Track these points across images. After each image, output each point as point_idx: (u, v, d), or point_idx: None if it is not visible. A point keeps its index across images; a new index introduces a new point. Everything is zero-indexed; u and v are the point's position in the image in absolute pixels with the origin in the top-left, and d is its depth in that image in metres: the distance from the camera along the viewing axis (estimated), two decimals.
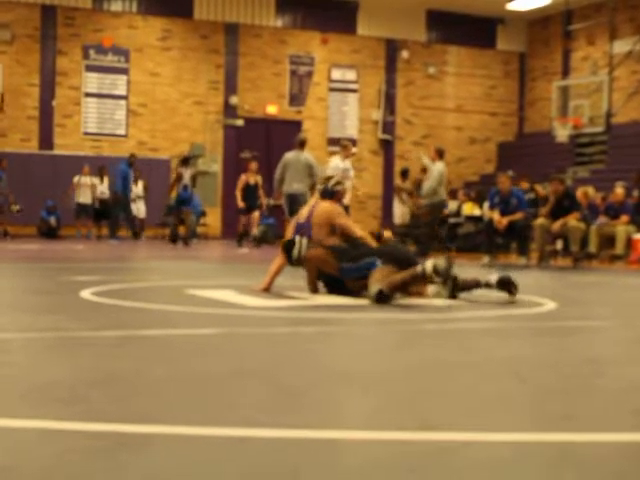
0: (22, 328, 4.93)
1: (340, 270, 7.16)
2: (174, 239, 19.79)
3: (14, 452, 2.34)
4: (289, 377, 3.57)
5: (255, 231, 19.14)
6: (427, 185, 16.38)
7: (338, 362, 4.06)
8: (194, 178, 20.36)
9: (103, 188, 22.83)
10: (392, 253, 7.20)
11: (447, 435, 2.60)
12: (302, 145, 15.11)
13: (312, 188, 14.26)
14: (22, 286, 8.34)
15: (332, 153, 16.27)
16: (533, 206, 16.62)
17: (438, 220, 16.56)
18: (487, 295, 7.08)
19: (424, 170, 21.14)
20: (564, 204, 14.17)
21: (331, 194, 7.84)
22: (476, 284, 7.15)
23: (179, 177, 19.88)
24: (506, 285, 7.02)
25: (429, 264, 6.75)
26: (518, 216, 14.19)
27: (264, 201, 19.53)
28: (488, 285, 7.07)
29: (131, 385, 3.30)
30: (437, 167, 16.26)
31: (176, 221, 20.15)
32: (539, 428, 2.73)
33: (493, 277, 7.07)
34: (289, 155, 15.05)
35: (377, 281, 6.67)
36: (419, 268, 6.75)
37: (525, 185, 18.15)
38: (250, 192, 18.78)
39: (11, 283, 8.64)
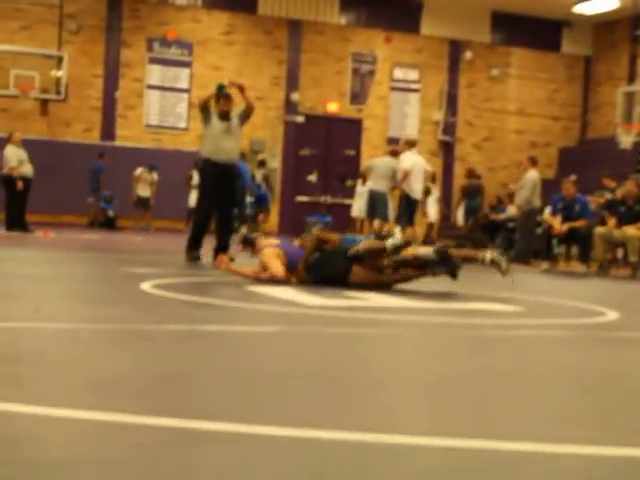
0: (86, 319, 4.98)
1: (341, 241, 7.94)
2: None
3: (83, 444, 2.35)
4: (351, 379, 3.55)
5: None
6: (521, 194, 16.15)
7: (400, 366, 4.04)
8: (266, 178, 21.48)
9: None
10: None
11: (511, 445, 2.56)
12: (395, 154, 16.23)
13: (393, 189, 16.13)
14: (83, 276, 8.44)
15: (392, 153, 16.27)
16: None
17: (533, 229, 16.20)
18: (548, 303, 7.00)
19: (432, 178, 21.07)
20: (635, 208, 13.75)
21: (248, 242, 8.79)
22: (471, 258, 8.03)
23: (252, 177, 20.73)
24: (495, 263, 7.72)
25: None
26: (580, 223, 14.00)
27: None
28: (483, 262, 7.78)
29: (196, 381, 3.31)
30: (530, 175, 16.05)
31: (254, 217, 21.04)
32: (606, 441, 2.67)
33: (488, 256, 7.75)
34: (377, 160, 16.89)
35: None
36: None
37: (612, 183, 17.95)
38: None
39: (73, 272, 8.74)
